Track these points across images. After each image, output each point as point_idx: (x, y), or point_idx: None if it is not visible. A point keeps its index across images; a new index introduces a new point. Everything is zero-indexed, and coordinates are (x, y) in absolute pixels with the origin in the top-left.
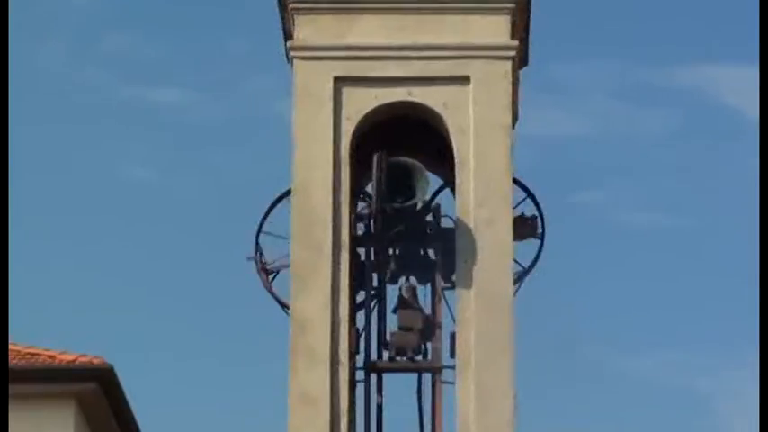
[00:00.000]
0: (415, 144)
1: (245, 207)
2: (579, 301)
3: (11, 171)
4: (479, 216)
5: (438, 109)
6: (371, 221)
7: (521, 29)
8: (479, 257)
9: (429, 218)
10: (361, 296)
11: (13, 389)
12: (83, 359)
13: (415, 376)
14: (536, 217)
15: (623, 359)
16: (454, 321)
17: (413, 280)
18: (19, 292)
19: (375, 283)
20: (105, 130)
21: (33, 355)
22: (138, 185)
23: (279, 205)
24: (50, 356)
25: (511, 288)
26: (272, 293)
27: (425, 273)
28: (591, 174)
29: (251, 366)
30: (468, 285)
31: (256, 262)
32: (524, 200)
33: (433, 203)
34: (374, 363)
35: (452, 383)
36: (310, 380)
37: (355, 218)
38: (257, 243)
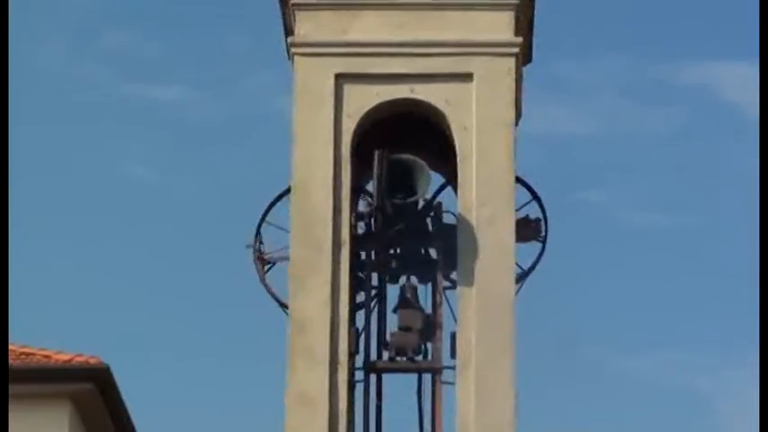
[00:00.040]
0: (417, 142)
1: (244, 206)
2: (580, 301)
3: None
4: (481, 215)
5: (440, 106)
6: (372, 220)
7: (524, 25)
8: (481, 256)
9: (430, 216)
10: (360, 296)
11: None
12: (79, 359)
13: (414, 377)
14: (540, 220)
15: (624, 359)
16: (455, 321)
17: (413, 279)
18: (14, 291)
19: (375, 283)
20: (104, 128)
21: (28, 354)
22: (137, 184)
23: (279, 203)
24: (46, 356)
25: (512, 288)
26: (265, 285)
27: (426, 272)
28: (594, 172)
29: (249, 366)
30: (470, 285)
31: (254, 250)
32: (530, 202)
33: (435, 202)
34: (374, 363)
35: (452, 384)
36: (309, 380)
37: (356, 216)
38: (258, 232)
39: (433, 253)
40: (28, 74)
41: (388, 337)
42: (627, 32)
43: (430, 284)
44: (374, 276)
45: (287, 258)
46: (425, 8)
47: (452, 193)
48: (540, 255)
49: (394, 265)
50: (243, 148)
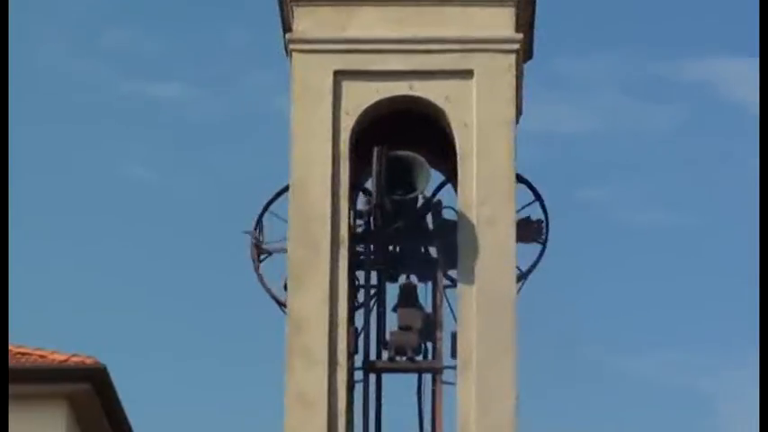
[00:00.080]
0: (417, 139)
1: (242, 204)
2: (581, 301)
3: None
4: (481, 213)
5: (440, 103)
6: (371, 218)
7: (525, 21)
8: (481, 255)
9: (430, 214)
10: (360, 295)
11: None
12: (75, 359)
13: (414, 377)
14: (542, 221)
15: (625, 359)
16: (455, 320)
17: (413, 278)
18: (10, 291)
19: (374, 282)
20: (102, 126)
21: (24, 354)
22: (135, 182)
23: (282, 197)
24: (42, 356)
25: (513, 287)
26: (259, 275)
27: (426, 270)
28: (595, 170)
29: (247, 367)
30: (470, 283)
31: (252, 237)
32: (532, 202)
33: (435, 199)
34: (373, 363)
35: (453, 384)
36: (307, 380)
37: (355, 214)
38: (260, 221)
39: (432, 251)
40: (25, 72)
41: (387, 337)
42: (627, 29)
43: (430, 283)
44: (373, 275)
45: (284, 251)
46: (425, 4)
47: (453, 191)
48: (540, 257)
49: (393, 263)
50: (242, 146)
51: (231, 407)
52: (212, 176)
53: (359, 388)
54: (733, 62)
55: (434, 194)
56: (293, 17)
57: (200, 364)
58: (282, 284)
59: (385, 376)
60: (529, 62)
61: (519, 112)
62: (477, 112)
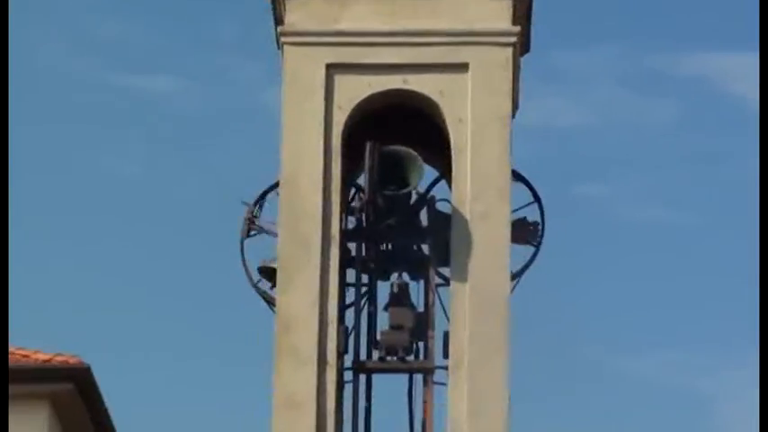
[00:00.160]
0: (410, 134)
1: (233, 200)
2: (580, 300)
3: None
4: (475, 209)
5: (434, 97)
6: (363, 214)
7: (522, 14)
8: (474, 252)
9: (423, 211)
10: (350, 293)
11: None
12: (58, 359)
13: (405, 377)
14: (538, 224)
15: (623, 359)
16: (448, 320)
17: (405, 276)
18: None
19: (365, 280)
20: (90, 121)
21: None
22: (123, 178)
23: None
24: (24, 355)
25: (507, 286)
26: (242, 248)
27: (418, 268)
28: (593, 165)
29: (234, 367)
30: (463, 282)
31: (249, 210)
32: (531, 203)
33: (428, 195)
34: (363, 363)
35: (444, 385)
36: (296, 381)
37: (346, 211)
38: (262, 197)
39: (425, 249)
40: (13, 65)
41: (378, 337)
42: (625, 22)
43: (422, 281)
44: (364, 273)
45: (275, 234)
46: None
47: (447, 187)
48: (532, 259)
49: (385, 261)
50: (232, 140)
51: (218, 407)
52: (202, 172)
53: (348, 388)
54: (731, 56)
55: (428, 190)
56: (285, 10)
57: (186, 365)
58: (258, 267)
59: (375, 376)
60: (525, 55)
61: (515, 106)
62: (472, 107)
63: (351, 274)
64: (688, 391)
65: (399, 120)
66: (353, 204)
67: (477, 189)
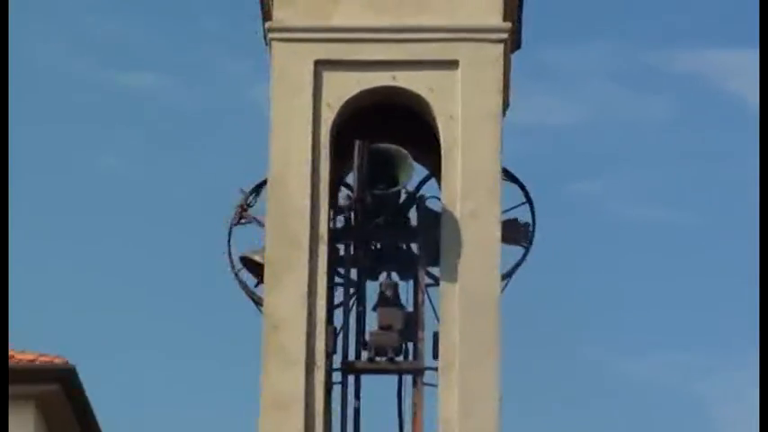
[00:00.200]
0: (400, 132)
1: (220, 199)
2: (573, 300)
3: None
4: (465, 208)
5: (424, 95)
6: (351, 214)
7: (513, 10)
8: (464, 252)
9: (412, 210)
10: (339, 293)
11: None
12: (43, 359)
13: (395, 378)
14: (529, 225)
15: (620, 360)
16: (438, 320)
17: (394, 276)
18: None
19: (354, 279)
20: (75, 117)
21: None
22: (109, 175)
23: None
24: (9, 356)
25: (498, 285)
26: (230, 232)
27: (408, 268)
28: (587, 163)
29: (222, 368)
30: (453, 282)
31: (245, 197)
32: (523, 204)
33: (418, 194)
34: (352, 363)
35: (435, 386)
36: (284, 382)
37: (334, 210)
38: (260, 186)
39: (414, 248)
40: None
41: (367, 337)
42: (617, 18)
43: (411, 281)
44: (353, 273)
45: (261, 225)
46: None
47: (436, 186)
48: (522, 259)
49: (374, 260)
50: (220, 138)
51: (205, 408)
52: (190, 169)
53: (337, 389)
54: (725, 53)
55: (418, 189)
56: (273, 5)
57: (172, 365)
58: (240, 256)
59: (364, 377)
60: (516, 52)
61: (506, 104)
62: (462, 105)
63: (339, 274)
64: (686, 393)
65: (389, 117)
66: (342, 203)
67: (467, 188)
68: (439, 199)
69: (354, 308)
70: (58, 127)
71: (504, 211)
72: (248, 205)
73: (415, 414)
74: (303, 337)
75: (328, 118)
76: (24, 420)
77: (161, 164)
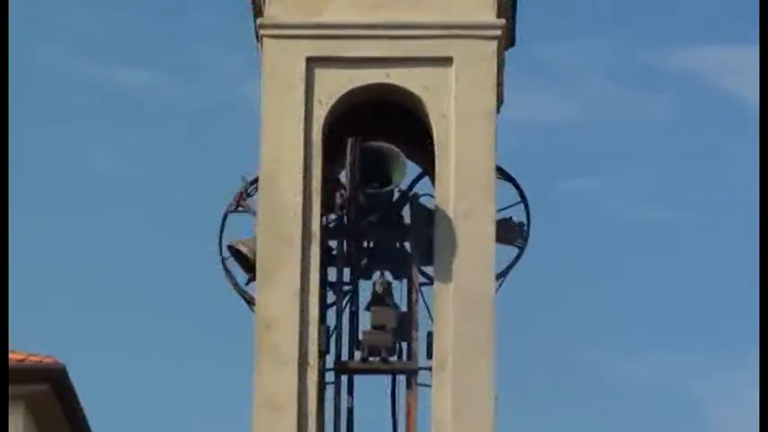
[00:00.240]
0: (393, 130)
1: (214, 197)
2: (570, 300)
3: None
4: (459, 207)
5: (417, 92)
6: (344, 212)
7: (507, 6)
8: (458, 251)
9: (406, 208)
10: (331, 292)
11: None
12: (33, 358)
13: (388, 378)
14: (523, 225)
15: (617, 361)
16: (431, 320)
17: (388, 275)
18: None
19: (347, 279)
20: (65, 113)
21: None
22: (101, 173)
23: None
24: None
25: (492, 285)
26: (223, 223)
27: (401, 267)
28: (582, 161)
29: (214, 368)
30: (447, 281)
31: (244, 185)
32: (517, 203)
33: (411, 193)
34: (345, 363)
35: (428, 386)
36: (276, 382)
37: (327, 208)
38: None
39: (408, 247)
40: None
41: (360, 337)
42: (613, 14)
43: (405, 280)
44: (346, 272)
45: (254, 214)
46: None
47: (430, 184)
48: (517, 259)
49: (367, 259)
50: (213, 135)
51: (197, 407)
52: (181, 167)
53: (330, 389)
54: (724, 50)
55: (411, 187)
56: (264, 2)
57: (164, 364)
58: (228, 244)
59: (357, 377)
60: (510, 49)
61: (500, 101)
62: (456, 102)
63: (332, 273)
64: (683, 393)
65: (381, 115)
66: (335, 201)
67: (461, 186)
68: (433, 197)
69: (347, 307)
70: (48, 125)
71: (499, 210)
72: (248, 194)
73: (408, 414)
74: (296, 337)
75: (320, 115)
76: (14, 420)
77: (153, 161)
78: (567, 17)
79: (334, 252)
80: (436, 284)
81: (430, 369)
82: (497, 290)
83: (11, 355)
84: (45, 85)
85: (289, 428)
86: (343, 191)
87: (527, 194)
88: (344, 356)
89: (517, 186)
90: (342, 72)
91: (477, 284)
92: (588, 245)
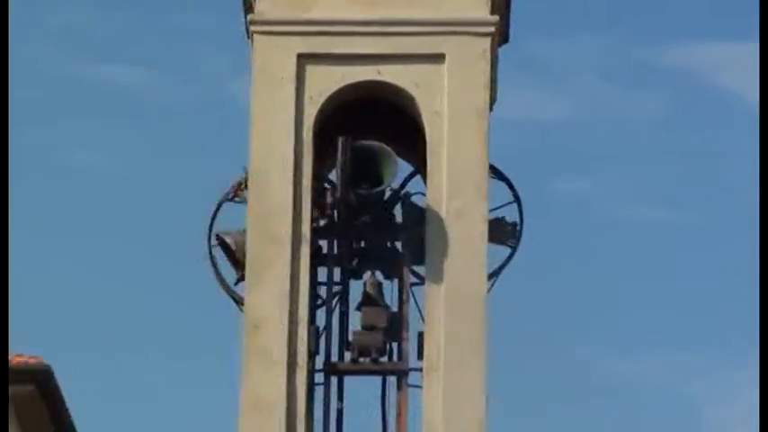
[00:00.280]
0: (384, 128)
1: (202, 196)
2: (564, 300)
3: None
4: (451, 206)
5: (409, 89)
6: (334, 211)
7: (501, 2)
8: (450, 251)
9: (397, 207)
10: (321, 292)
11: None
12: (18, 359)
13: (379, 379)
14: (516, 225)
15: (612, 361)
16: (422, 320)
17: (378, 275)
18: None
19: (337, 278)
20: (53, 111)
21: None
22: (88, 171)
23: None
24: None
25: (484, 285)
26: (216, 211)
27: (392, 267)
28: (576, 160)
29: (200, 368)
30: (438, 281)
31: (243, 175)
32: (510, 203)
33: (402, 191)
34: (335, 364)
35: (419, 387)
36: (265, 382)
37: (317, 207)
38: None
39: (399, 246)
40: None
41: (350, 337)
42: (608, 11)
43: (396, 280)
44: (336, 271)
45: (244, 202)
46: None
47: (422, 183)
48: (509, 259)
49: (357, 259)
50: (202, 133)
51: (183, 411)
52: (170, 165)
53: (319, 391)
54: (720, 47)
55: (402, 186)
56: None
57: (151, 365)
58: (216, 233)
59: (347, 379)
60: (504, 45)
61: (493, 99)
62: (448, 100)
63: (322, 273)
64: (677, 394)
65: (373, 113)
66: (325, 200)
67: (453, 185)
68: (424, 195)
69: (337, 307)
70: (36, 123)
71: (492, 210)
72: (246, 186)
73: (399, 416)
74: (285, 338)
75: (311, 113)
76: None
77: (143, 159)
78: (561, 14)
79: (325, 251)
80: (427, 284)
81: (421, 370)
82: (489, 290)
83: None
84: (32, 83)
85: (277, 430)
86: (333, 189)
87: (520, 194)
88: (334, 357)
89: (510, 185)
90: (333, 69)
91: (469, 284)
92: (581, 244)
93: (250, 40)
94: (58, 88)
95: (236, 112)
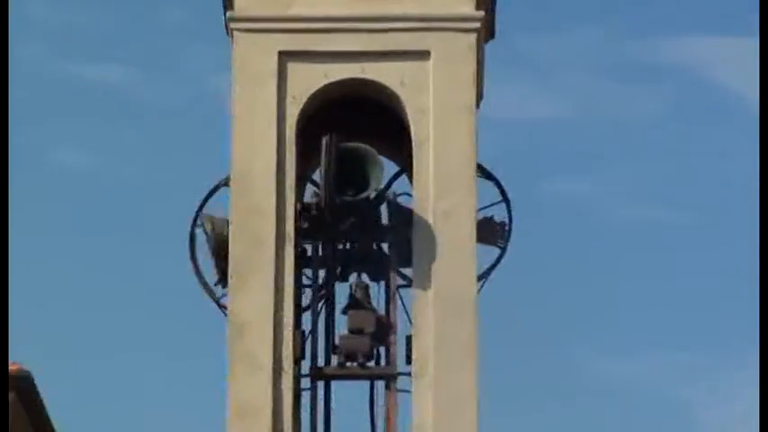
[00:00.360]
0: (369, 127)
1: (184, 196)
2: (558, 301)
3: None
4: (439, 207)
5: (394, 87)
6: (319, 213)
7: None
8: (438, 253)
9: (383, 208)
10: (306, 295)
11: None
12: None
13: (366, 384)
14: (505, 224)
15: (606, 362)
16: (411, 323)
17: (365, 277)
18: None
19: (323, 281)
20: (33, 108)
21: None
22: (68, 169)
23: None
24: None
25: (474, 287)
26: (208, 196)
27: (379, 269)
28: (567, 159)
29: (187, 373)
30: (426, 283)
31: None
32: (499, 203)
33: (388, 192)
34: (321, 369)
35: (408, 392)
36: (250, 388)
37: (301, 208)
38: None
39: (385, 248)
40: None
41: (336, 341)
42: (599, 3)
43: (383, 283)
44: (321, 274)
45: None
46: None
47: (408, 183)
48: (498, 260)
49: (343, 261)
50: (182, 132)
51: (168, 416)
52: (150, 163)
53: (306, 396)
54: (718, 41)
55: (388, 186)
56: None
57: (135, 370)
58: (204, 214)
59: (334, 383)
60: (490, 41)
61: (480, 96)
62: (434, 97)
63: (307, 276)
64: (671, 395)
65: (357, 111)
66: (309, 201)
67: (440, 185)
68: (411, 196)
69: (323, 311)
70: (21, 123)
71: (480, 210)
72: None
73: (388, 421)
74: (270, 342)
75: (294, 112)
76: None
77: (129, 158)
78: (548, 8)
79: (309, 253)
80: (415, 287)
81: (409, 374)
82: (479, 291)
83: None
84: (19, 83)
85: None
86: (317, 190)
87: (508, 193)
88: (321, 362)
89: (498, 185)
90: (315, 67)
91: (458, 286)
92: (574, 243)
93: (230, 38)
94: (45, 88)
95: (225, 110)
